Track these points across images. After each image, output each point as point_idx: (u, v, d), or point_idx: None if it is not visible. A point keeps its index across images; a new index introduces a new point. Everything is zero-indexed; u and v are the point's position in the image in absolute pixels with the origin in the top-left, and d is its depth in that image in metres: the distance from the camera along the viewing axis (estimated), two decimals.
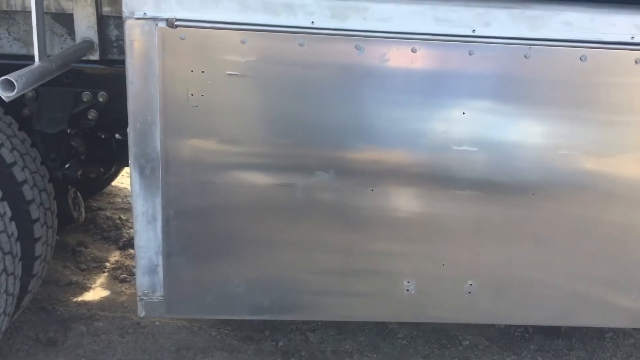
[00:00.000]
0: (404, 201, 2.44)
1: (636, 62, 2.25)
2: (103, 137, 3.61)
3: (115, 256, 4.13)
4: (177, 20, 2.15)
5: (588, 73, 2.26)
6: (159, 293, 2.47)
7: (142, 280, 2.46)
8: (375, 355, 3.22)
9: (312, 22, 2.19)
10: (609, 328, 3.45)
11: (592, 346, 3.38)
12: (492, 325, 3.47)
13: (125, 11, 2.16)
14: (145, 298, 2.48)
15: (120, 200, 4.96)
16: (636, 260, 2.52)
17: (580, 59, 2.24)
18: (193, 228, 2.40)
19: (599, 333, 3.46)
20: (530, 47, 2.24)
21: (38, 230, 2.67)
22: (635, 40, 2.24)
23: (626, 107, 2.31)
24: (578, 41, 2.24)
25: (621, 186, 2.41)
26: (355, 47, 2.22)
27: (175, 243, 2.40)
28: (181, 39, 2.17)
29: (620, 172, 2.40)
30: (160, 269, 2.44)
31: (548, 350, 3.34)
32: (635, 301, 2.59)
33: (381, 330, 3.42)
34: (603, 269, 2.54)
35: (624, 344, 3.42)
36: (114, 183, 5.05)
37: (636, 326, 3.03)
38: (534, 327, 3.47)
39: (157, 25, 2.16)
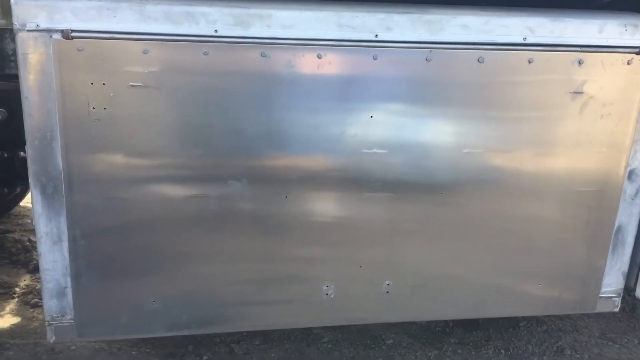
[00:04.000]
0: (318, 206, 2.45)
1: (529, 61, 2.37)
2: (5, 155, 3.43)
3: (25, 280, 3.93)
4: (72, 31, 2.07)
5: (486, 74, 2.35)
6: (69, 316, 2.37)
7: (50, 304, 2.35)
8: None
9: (216, 31, 2.17)
10: (522, 317, 3.60)
11: (508, 335, 3.52)
12: (414, 322, 3.54)
13: (16, 23, 2.06)
14: (54, 322, 2.37)
15: (29, 221, 4.71)
16: (540, 250, 2.64)
17: (478, 60, 2.33)
18: (102, 246, 2.31)
19: (513, 322, 3.61)
20: (431, 51, 2.31)
21: None
22: (528, 40, 2.36)
23: (522, 105, 2.42)
24: (475, 43, 2.33)
25: (522, 179, 2.52)
26: (261, 54, 2.21)
27: (84, 263, 2.31)
28: (78, 50, 2.09)
29: (520, 167, 2.51)
30: (68, 291, 2.34)
31: (467, 342, 3.45)
32: (543, 289, 2.72)
33: (306, 336, 3.42)
34: (511, 261, 2.65)
35: (537, 330, 3.58)
36: (22, 204, 4.80)
37: (546, 313, 3.17)
38: (453, 321, 3.58)
39: (51, 37, 2.07)
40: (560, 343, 3.47)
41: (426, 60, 2.31)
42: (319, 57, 2.24)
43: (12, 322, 3.48)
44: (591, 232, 2.65)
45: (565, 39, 2.37)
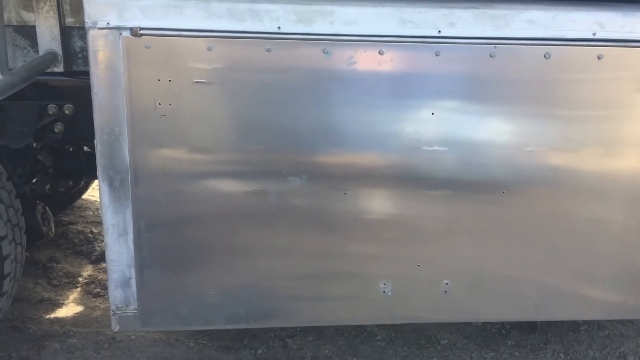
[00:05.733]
0: (377, 203, 2.44)
1: (599, 57, 2.29)
2: (71, 149, 3.56)
3: (87, 270, 4.06)
4: (141, 29, 2.12)
5: (552, 70, 2.29)
6: (133, 306, 2.43)
7: (115, 294, 2.42)
8: (354, 359, 3.21)
9: (279, 28, 2.18)
10: (583, 321, 3.50)
11: (568, 339, 3.43)
12: (470, 323, 3.49)
13: (88, 21, 2.12)
14: (119, 312, 2.44)
15: (91, 213, 4.88)
16: (605, 252, 2.56)
17: (544, 56, 2.27)
18: (165, 239, 2.37)
19: (574, 326, 3.51)
20: (495, 47, 2.26)
21: (6, 247, 2.61)
22: (597, 36, 2.28)
23: (590, 103, 2.35)
24: (541, 39, 2.27)
25: (588, 180, 2.45)
26: (323, 51, 2.21)
27: (148, 255, 2.37)
28: (146, 47, 2.14)
29: (587, 167, 2.43)
30: (133, 282, 2.40)
31: (525, 345, 3.37)
32: (607, 293, 2.63)
33: (360, 333, 3.42)
34: (575, 263, 2.58)
35: (599, 335, 3.47)
36: (84, 196, 4.97)
37: (609, 318, 3.08)
38: (510, 323, 3.50)
39: (121, 34, 2.13)
40: (622, 349, 3.36)
41: (490, 56, 2.26)
42: (381, 53, 2.23)
43: (75, 311, 3.60)
44: None
45: (637, 34, 2.28)
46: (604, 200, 2.48)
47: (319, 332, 3.40)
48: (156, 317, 2.47)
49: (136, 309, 2.44)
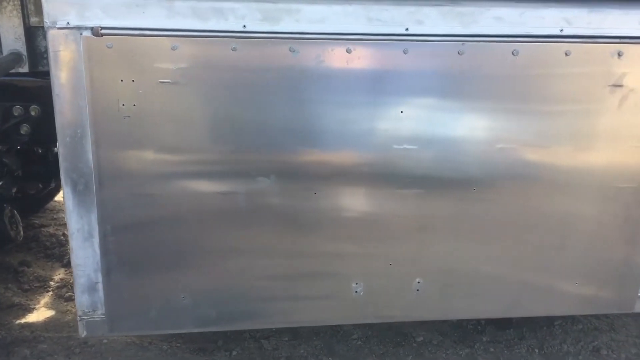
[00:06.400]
0: (348, 202, 2.42)
1: (566, 54, 2.29)
2: (39, 151, 3.49)
3: (59, 274, 4.00)
4: (102, 28, 2.08)
5: (520, 67, 2.28)
6: (100, 311, 2.39)
7: (81, 299, 2.37)
8: (330, 358, 3.19)
9: (244, 26, 2.15)
10: (557, 316, 3.52)
11: (542, 334, 3.44)
12: (445, 320, 3.49)
13: (47, 21, 2.07)
14: (86, 317, 2.39)
15: (63, 216, 4.80)
16: (577, 248, 2.57)
17: (512, 53, 2.27)
18: (132, 242, 2.33)
19: (548, 321, 3.53)
20: (463, 44, 2.25)
21: None
22: (564, 32, 2.28)
23: (558, 99, 2.35)
24: (509, 36, 2.26)
25: (558, 176, 2.45)
26: (290, 49, 2.18)
27: (115, 259, 2.32)
28: (108, 47, 2.10)
29: (557, 163, 2.43)
30: (100, 287, 2.36)
31: (500, 341, 3.38)
32: (579, 288, 2.64)
33: (336, 333, 3.40)
34: (546, 259, 2.58)
35: (573, 330, 3.49)
36: (56, 198, 4.89)
37: (582, 312, 3.10)
38: (486, 319, 3.51)
39: (81, 34, 2.08)
40: (596, 342, 3.39)
41: (458, 53, 2.25)
42: (349, 51, 2.21)
43: (47, 316, 3.54)
44: (630, 229, 2.56)
45: (604, 31, 2.29)
46: (574, 196, 2.49)
47: (295, 333, 3.38)
48: (124, 321, 2.43)
49: (104, 314, 2.39)
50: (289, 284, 2.51)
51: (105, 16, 2.08)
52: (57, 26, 2.07)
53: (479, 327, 3.49)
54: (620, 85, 2.34)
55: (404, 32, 2.21)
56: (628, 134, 2.41)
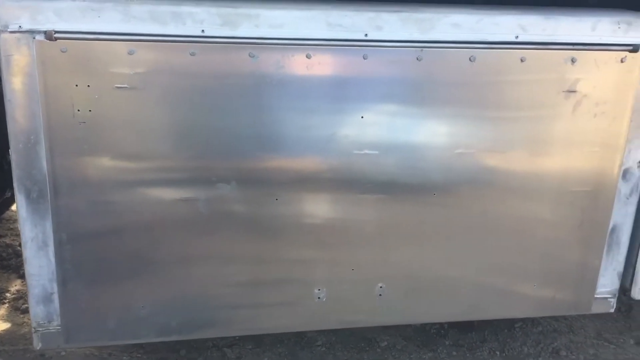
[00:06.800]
0: (309, 208, 2.41)
1: (522, 60, 2.34)
2: None
3: (15, 285, 3.88)
4: (56, 32, 2.03)
5: (478, 73, 2.32)
6: (56, 322, 2.33)
7: (36, 311, 2.31)
8: None
9: (203, 31, 2.13)
10: (518, 318, 3.57)
11: (504, 336, 3.49)
12: (409, 325, 3.51)
13: None
14: (41, 329, 2.33)
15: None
16: (534, 251, 2.61)
17: (470, 59, 2.30)
18: (89, 251, 2.27)
19: (509, 324, 3.57)
20: (422, 50, 2.27)
21: None
22: (520, 39, 2.33)
23: (515, 104, 2.39)
24: (467, 42, 2.30)
25: (515, 180, 2.49)
26: (249, 54, 2.17)
27: (71, 268, 2.27)
28: (62, 51, 2.05)
29: (514, 167, 2.48)
30: (55, 297, 2.30)
31: (462, 344, 3.41)
32: (537, 290, 2.69)
33: (300, 340, 3.38)
34: (506, 262, 2.62)
35: (533, 332, 3.55)
36: (13, 207, 4.74)
37: (540, 314, 3.15)
38: (449, 323, 3.54)
39: (34, 38, 2.03)
40: (555, 344, 3.44)
41: (417, 59, 2.27)
42: (309, 57, 2.21)
43: (2, 328, 3.43)
44: (586, 232, 2.62)
45: (557, 37, 2.34)
46: (531, 200, 2.53)
47: (258, 341, 3.35)
48: (81, 332, 2.37)
49: (59, 325, 2.33)
50: (251, 291, 2.49)
51: (59, 20, 2.03)
52: (8, 30, 2.02)
53: (442, 331, 3.51)
54: (574, 91, 2.39)
55: (364, 37, 2.22)
56: (582, 139, 2.47)
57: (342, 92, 2.29)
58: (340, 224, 2.44)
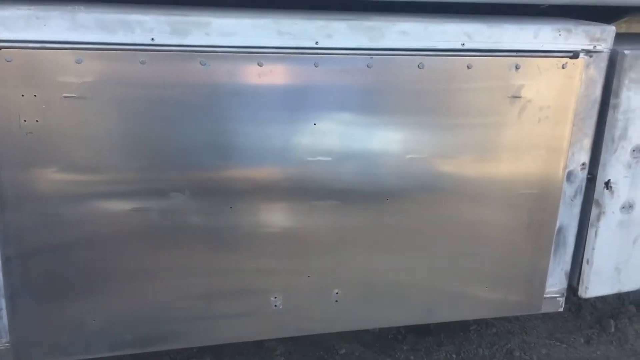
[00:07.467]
0: (264, 216, 2.41)
1: (468, 67, 2.40)
2: None
3: None
4: (0, 41, 1.99)
5: (426, 79, 2.37)
6: (5, 340, 2.26)
7: None
8: None
9: (152, 39, 2.12)
10: (473, 321, 3.64)
11: (459, 339, 3.55)
12: (367, 331, 3.53)
13: None
14: None
15: None
16: (484, 253, 2.67)
17: (418, 66, 2.35)
18: (38, 265, 2.22)
19: (464, 327, 3.64)
20: (371, 57, 2.31)
21: None
22: (466, 46, 2.39)
23: (462, 110, 2.45)
24: (415, 50, 2.35)
25: (465, 184, 2.55)
26: (200, 62, 2.17)
27: (19, 283, 2.21)
28: (7, 61, 2.01)
29: (463, 172, 2.53)
30: (3, 313, 2.23)
31: (420, 348, 3.46)
32: (489, 292, 2.75)
33: (258, 350, 3.37)
34: (457, 265, 2.67)
35: (487, 333, 3.62)
36: None
37: (493, 315, 3.21)
38: (406, 327, 3.58)
39: None
40: (509, 345, 3.52)
41: (367, 67, 2.31)
42: (260, 65, 2.22)
43: None
44: (533, 233, 2.69)
45: (502, 44, 2.41)
46: (480, 203, 2.59)
47: (217, 352, 3.32)
48: (32, 349, 2.30)
49: (8, 343, 2.26)
50: (207, 301, 2.47)
51: (2, 29, 1.99)
52: None
53: (400, 336, 3.55)
54: (519, 97, 2.47)
55: (314, 45, 2.25)
56: (527, 143, 2.55)
57: (294, 100, 2.30)
58: (295, 232, 2.45)
